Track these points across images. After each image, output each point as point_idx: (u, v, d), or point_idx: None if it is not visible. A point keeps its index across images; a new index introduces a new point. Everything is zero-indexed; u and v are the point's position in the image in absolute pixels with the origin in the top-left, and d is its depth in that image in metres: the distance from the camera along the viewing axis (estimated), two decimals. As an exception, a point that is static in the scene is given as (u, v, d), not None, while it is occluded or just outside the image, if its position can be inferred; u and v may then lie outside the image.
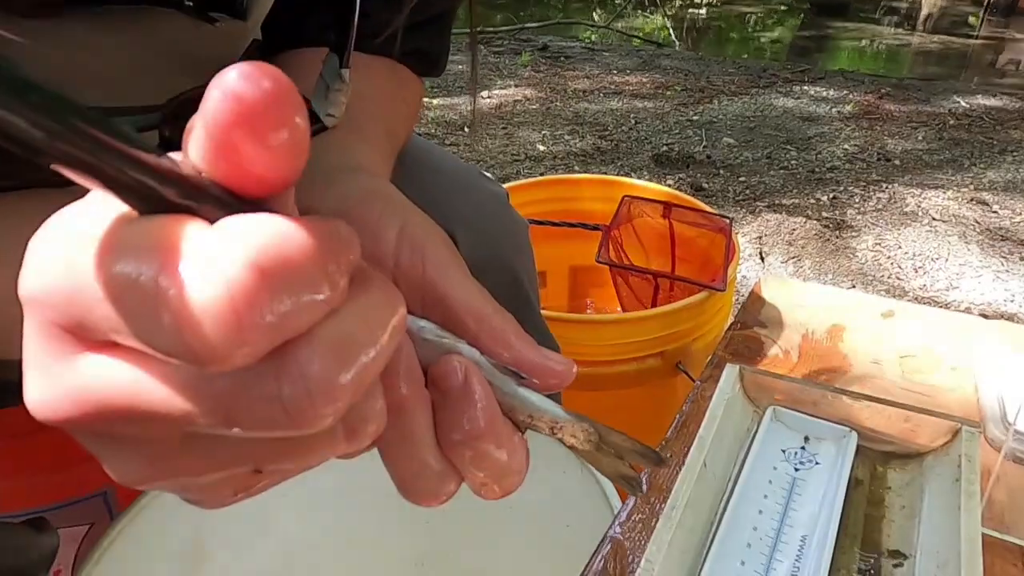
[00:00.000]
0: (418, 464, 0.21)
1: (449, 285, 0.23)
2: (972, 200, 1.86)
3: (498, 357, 0.22)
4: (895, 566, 0.35)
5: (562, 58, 3.29)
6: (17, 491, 0.59)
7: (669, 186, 1.93)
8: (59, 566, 0.55)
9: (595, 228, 0.89)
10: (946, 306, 1.43)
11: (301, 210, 0.24)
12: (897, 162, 2.13)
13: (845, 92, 2.83)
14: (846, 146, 2.24)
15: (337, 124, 0.34)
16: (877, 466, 0.42)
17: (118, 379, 0.14)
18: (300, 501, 0.57)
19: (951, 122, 2.47)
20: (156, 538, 0.49)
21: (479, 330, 0.22)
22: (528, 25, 3.93)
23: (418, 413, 0.21)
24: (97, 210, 0.14)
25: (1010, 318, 1.40)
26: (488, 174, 0.57)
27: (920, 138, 2.32)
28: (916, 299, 1.46)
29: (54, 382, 0.15)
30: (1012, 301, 1.45)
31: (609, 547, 0.39)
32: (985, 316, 1.35)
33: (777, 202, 1.85)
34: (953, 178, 2.02)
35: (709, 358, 0.59)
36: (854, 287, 1.50)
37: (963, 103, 2.69)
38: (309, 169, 0.28)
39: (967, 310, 1.42)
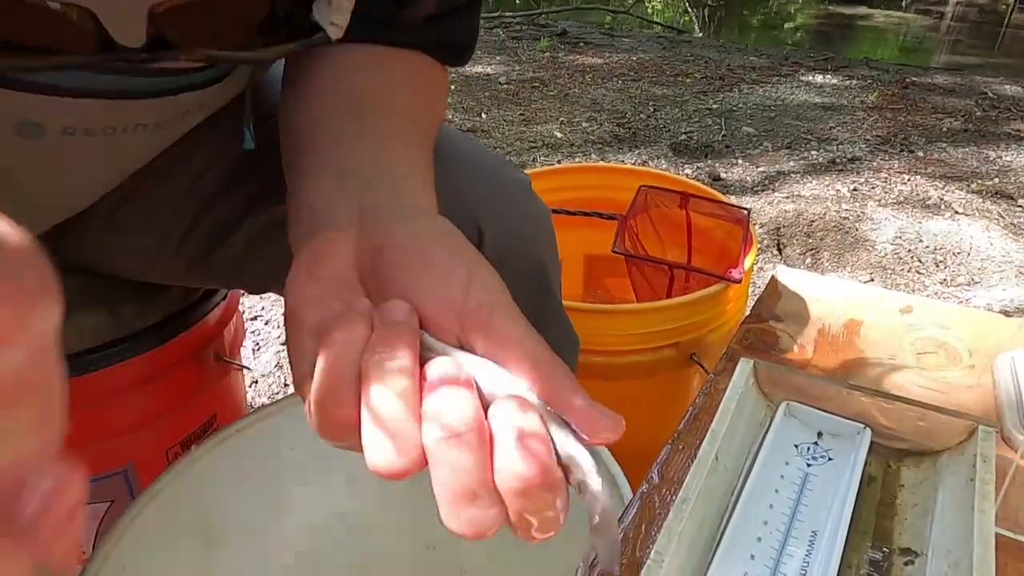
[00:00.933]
0: (472, 494, 0.22)
1: (512, 331, 0.24)
2: (997, 193, 1.83)
3: (555, 406, 0.23)
4: (906, 564, 0.35)
5: (581, 44, 3.26)
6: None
7: (687, 175, 1.92)
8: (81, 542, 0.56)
9: (611, 217, 0.89)
10: (967, 302, 1.41)
11: (373, 248, 0.28)
12: (920, 153, 2.09)
13: (869, 81, 2.78)
14: (868, 137, 2.21)
15: (400, 143, 0.35)
16: (891, 463, 0.42)
17: None
18: (314, 486, 0.58)
19: (978, 113, 2.43)
20: (174, 519, 0.50)
21: (537, 376, 0.23)
22: (547, 10, 3.89)
23: (477, 445, 0.22)
24: None
25: (1032, 314, 1.38)
26: (510, 161, 0.56)
27: (945, 129, 2.28)
28: (936, 294, 1.44)
29: None
30: (1034, 297, 1.43)
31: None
32: (1007, 313, 1.32)
33: (796, 193, 1.83)
34: (978, 170, 1.98)
35: (724, 350, 0.58)
36: (872, 280, 1.48)
37: (990, 93, 2.64)
38: (382, 208, 0.29)
39: (988, 306, 1.40)
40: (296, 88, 0.39)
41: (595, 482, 0.22)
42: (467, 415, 0.22)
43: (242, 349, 0.91)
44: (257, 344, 1.25)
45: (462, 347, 0.25)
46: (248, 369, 1.17)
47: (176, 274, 0.55)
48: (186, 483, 0.50)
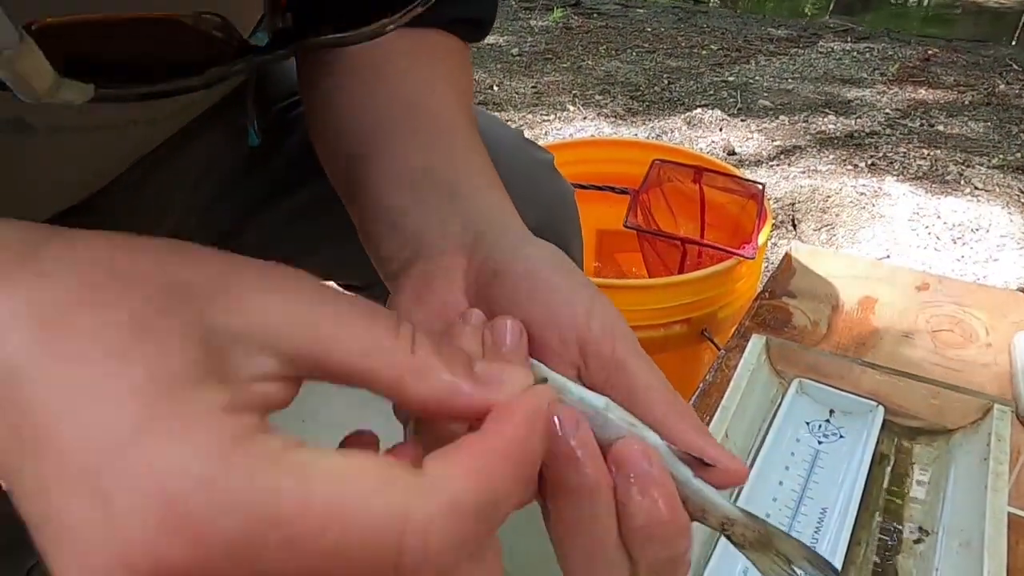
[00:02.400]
0: (598, 548, 0.20)
1: (637, 365, 0.23)
2: (1019, 169, 1.79)
3: (678, 444, 0.22)
4: (916, 542, 0.35)
5: (595, 15, 3.20)
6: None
7: (701, 149, 1.89)
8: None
9: (623, 192, 0.88)
10: (984, 279, 1.39)
11: (490, 272, 0.26)
12: (941, 127, 2.05)
13: (890, 53, 2.72)
14: (888, 110, 2.17)
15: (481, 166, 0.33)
16: (903, 442, 0.41)
17: None
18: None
19: (1001, 86, 2.37)
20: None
21: (664, 415, 0.22)
22: (561, -20, 3.82)
23: (602, 495, 0.20)
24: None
25: (1051, 292, 1.36)
26: (531, 139, 0.56)
27: (967, 103, 2.23)
28: (953, 271, 1.42)
29: None
30: (1054, 275, 1.41)
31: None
32: (1024, 290, 1.29)
33: (813, 167, 1.80)
34: (1000, 145, 1.94)
35: (736, 327, 0.58)
36: (888, 257, 1.47)
37: (1015, 66, 2.57)
38: (489, 232, 0.27)
39: (1005, 284, 1.38)
40: (328, 88, 0.37)
41: (735, 513, 0.21)
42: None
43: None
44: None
45: (579, 377, 0.24)
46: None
47: None
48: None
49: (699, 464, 0.21)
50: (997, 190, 1.69)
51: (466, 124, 0.35)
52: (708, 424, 0.40)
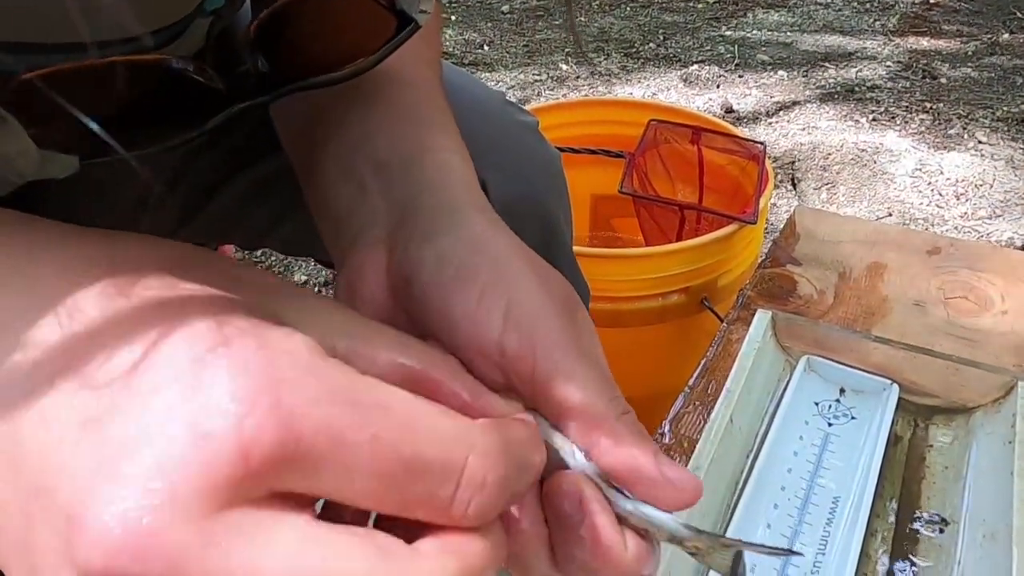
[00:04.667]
0: None
1: (561, 381, 0.20)
2: (1023, 121, 1.75)
3: (614, 468, 0.20)
4: (936, 532, 0.33)
5: (587, -32, 3.10)
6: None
7: (698, 107, 1.84)
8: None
9: (618, 155, 0.84)
10: (987, 236, 1.36)
11: (403, 278, 0.23)
12: (944, 80, 2.00)
13: (891, 3, 2.64)
14: (889, 63, 2.11)
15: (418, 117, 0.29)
16: (919, 421, 0.39)
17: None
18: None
19: (1005, 36, 2.30)
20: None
21: (593, 437, 0.20)
22: (552, -68, 3.70)
23: (533, 536, 0.19)
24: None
25: (1057, 249, 1.33)
26: (514, 101, 0.52)
27: (970, 54, 2.17)
28: (956, 228, 1.39)
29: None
30: (1059, 230, 1.38)
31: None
32: (1033, 248, 1.27)
33: (812, 124, 1.75)
34: (1004, 97, 1.89)
35: (737, 295, 0.55)
36: (890, 215, 1.43)
37: (1019, 14, 2.50)
38: (411, 218, 0.24)
39: (1010, 240, 1.35)
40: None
41: (682, 532, 0.20)
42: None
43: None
44: (257, 291, 1.22)
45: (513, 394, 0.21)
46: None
47: (167, 229, 0.53)
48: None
49: (626, 494, 0.20)
50: (1001, 144, 1.65)
51: (418, 79, 0.31)
52: (712, 409, 0.37)
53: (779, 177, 1.53)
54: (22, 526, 0.14)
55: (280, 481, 0.14)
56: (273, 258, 1.29)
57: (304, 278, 1.24)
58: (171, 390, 0.14)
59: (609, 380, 0.21)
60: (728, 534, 0.33)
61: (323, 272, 1.25)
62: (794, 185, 1.53)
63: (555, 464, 0.20)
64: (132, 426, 0.13)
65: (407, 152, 0.27)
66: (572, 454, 0.20)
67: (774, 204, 1.44)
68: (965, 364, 0.38)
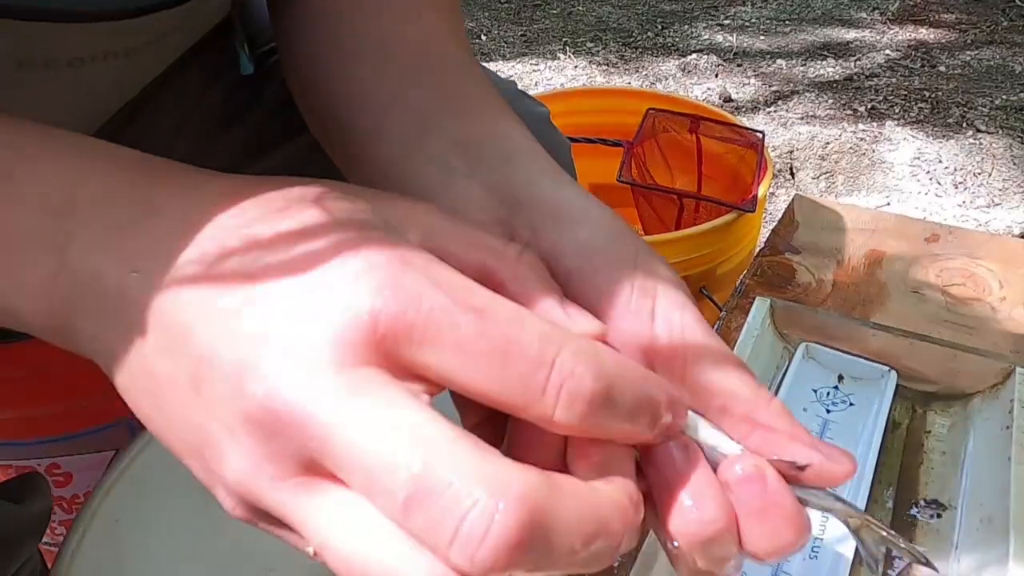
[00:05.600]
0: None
1: (714, 374, 0.21)
2: (1022, 109, 1.75)
3: (776, 445, 0.20)
4: (933, 517, 0.33)
5: (585, -43, 3.08)
6: (45, 418, 0.59)
7: (696, 97, 1.83)
8: (89, 488, 0.56)
9: (616, 144, 0.84)
10: (986, 224, 1.36)
11: (545, 252, 0.23)
12: (942, 68, 1.99)
13: (890, -9, 2.63)
14: (888, 52, 2.10)
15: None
16: (917, 408, 0.39)
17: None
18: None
19: (1004, 24, 2.30)
20: (169, 467, 0.48)
21: (752, 428, 0.20)
22: (549, -80, 3.67)
23: (724, 523, 0.19)
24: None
25: (1055, 237, 1.33)
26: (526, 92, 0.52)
27: (969, 42, 2.16)
28: (955, 217, 1.39)
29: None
30: (1057, 219, 1.38)
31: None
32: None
33: (811, 113, 1.75)
34: (1002, 86, 1.89)
35: (736, 285, 0.55)
36: (888, 204, 1.43)
37: (1018, 2, 2.49)
38: (529, 204, 0.24)
39: (1008, 229, 1.35)
40: (305, 34, 0.32)
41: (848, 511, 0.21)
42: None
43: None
44: (256, 282, 1.22)
45: None
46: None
47: None
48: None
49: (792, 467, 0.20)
50: (1000, 132, 1.65)
51: (463, 58, 0.30)
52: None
53: (777, 167, 1.53)
54: (189, 388, 0.17)
55: (403, 351, 0.16)
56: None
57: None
58: (318, 275, 0.17)
59: (749, 369, 0.21)
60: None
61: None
62: (792, 174, 1.53)
63: (715, 461, 0.20)
64: (285, 301, 0.17)
65: (482, 135, 0.27)
66: (733, 448, 0.20)
67: (772, 193, 1.44)
68: (963, 351, 0.39)
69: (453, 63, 0.30)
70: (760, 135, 0.81)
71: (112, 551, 0.43)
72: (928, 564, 0.21)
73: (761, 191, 0.75)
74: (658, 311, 0.21)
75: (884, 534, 0.21)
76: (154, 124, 0.46)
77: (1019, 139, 1.62)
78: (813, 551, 0.31)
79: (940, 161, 1.55)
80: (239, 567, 0.52)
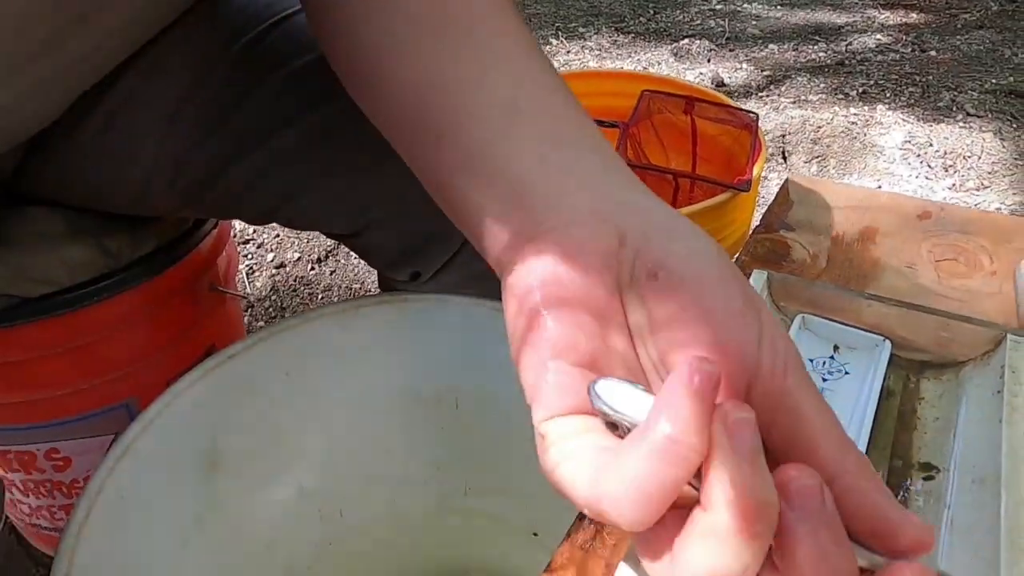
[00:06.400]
0: None
1: (807, 406, 0.20)
2: (1012, 93, 1.76)
3: (855, 503, 0.19)
4: (926, 479, 0.34)
5: (576, -58, 3.07)
6: (44, 403, 0.59)
7: (689, 81, 1.84)
8: (89, 471, 0.56)
9: (612, 125, 0.84)
10: (976, 207, 1.38)
11: (644, 269, 0.23)
12: (933, 53, 2.00)
13: (881, -24, 2.63)
14: (879, 36, 2.11)
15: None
16: (911, 376, 0.40)
17: None
18: (313, 410, 0.56)
19: (994, 8, 2.31)
20: (171, 445, 0.48)
21: (838, 469, 0.19)
22: (540, -95, 3.64)
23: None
24: None
25: (1042, 218, 1.34)
26: None
27: (959, 26, 2.17)
28: (944, 199, 1.41)
29: None
30: (1046, 201, 1.40)
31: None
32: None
33: (803, 97, 1.76)
34: (992, 69, 1.90)
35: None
36: (880, 187, 1.45)
37: (1008, -14, 2.50)
38: (642, 215, 0.24)
39: (997, 211, 1.36)
40: (365, 22, 0.31)
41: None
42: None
43: (236, 275, 0.89)
44: (251, 268, 1.22)
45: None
46: (243, 297, 1.15)
47: (170, 209, 0.52)
48: (180, 410, 0.49)
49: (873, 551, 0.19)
50: (989, 116, 1.66)
51: (527, 38, 0.30)
52: (709, 365, 0.38)
53: (770, 150, 1.54)
54: None
55: None
56: (265, 236, 1.28)
57: (297, 255, 1.24)
58: None
59: (834, 415, 0.21)
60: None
61: (316, 249, 1.25)
62: (785, 158, 1.53)
63: None
64: None
65: (571, 135, 0.26)
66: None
67: (765, 177, 1.45)
68: (956, 319, 0.39)
69: (524, 43, 0.29)
70: (754, 116, 0.81)
71: (117, 529, 0.43)
72: None
73: (755, 171, 0.75)
74: (764, 333, 0.21)
75: None
76: (150, 106, 0.45)
77: (1008, 122, 1.63)
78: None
79: (931, 145, 1.56)
80: (241, 543, 0.52)
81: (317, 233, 1.28)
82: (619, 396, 0.20)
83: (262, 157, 0.46)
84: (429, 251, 0.49)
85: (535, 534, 0.59)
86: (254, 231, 1.29)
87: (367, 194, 0.47)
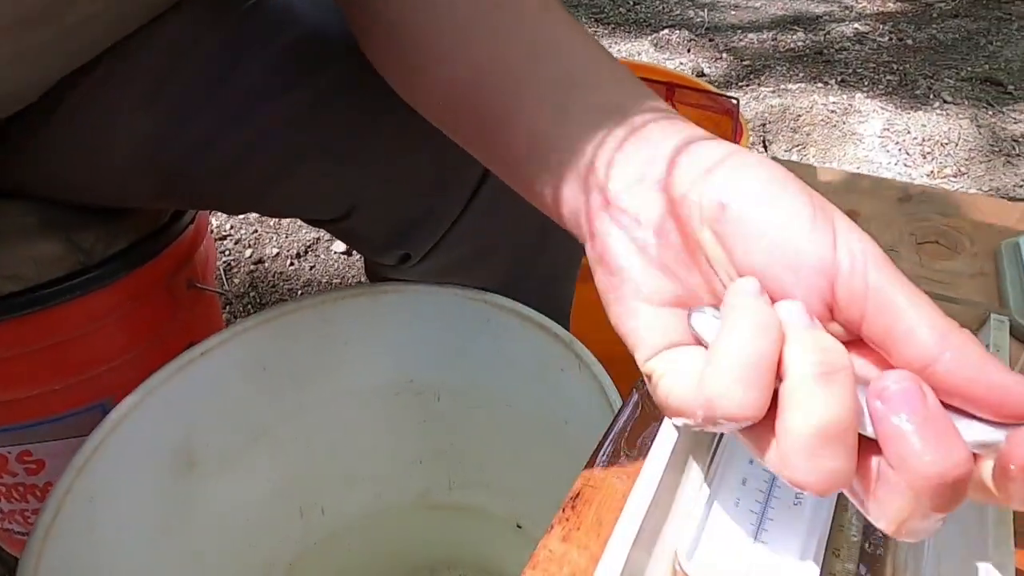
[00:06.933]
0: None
1: (897, 296, 0.21)
2: (986, 80, 1.78)
3: (964, 385, 0.19)
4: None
5: (555, -67, 3.05)
6: (16, 404, 0.58)
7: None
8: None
9: (592, 114, 0.83)
10: (954, 191, 1.39)
11: (715, 206, 0.24)
12: (910, 41, 2.02)
13: (857, -35, 2.64)
14: (857, 25, 2.12)
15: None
16: (895, 358, 0.40)
17: None
18: (292, 405, 0.55)
19: (968, -3, 2.33)
20: (144, 445, 0.47)
21: (938, 351, 0.19)
22: None
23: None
24: None
25: (1022, 201, 1.36)
26: None
27: (935, 16, 2.19)
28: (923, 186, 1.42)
29: None
30: (1022, 186, 1.41)
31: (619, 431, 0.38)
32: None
33: (782, 87, 1.76)
34: (967, 58, 1.92)
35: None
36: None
37: (982, -25, 2.52)
38: (699, 155, 0.25)
39: (975, 195, 1.38)
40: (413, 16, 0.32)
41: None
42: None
43: (214, 272, 0.88)
44: (229, 265, 1.20)
45: (832, 317, 0.22)
46: (220, 294, 1.13)
47: (145, 196, 0.50)
48: (152, 408, 0.47)
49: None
50: (965, 103, 1.68)
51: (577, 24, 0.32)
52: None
53: (751, 140, 1.54)
54: None
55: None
56: (243, 231, 1.26)
57: (275, 251, 1.22)
58: None
59: (929, 303, 0.21)
60: (713, 473, 0.34)
61: (295, 244, 1.23)
62: (766, 147, 1.54)
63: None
64: None
65: (624, 96, 0.28)
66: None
67: (746, 166, 1.45)
68: (940, 299, 0.39)
69: (568, 20, 0.31)
70: (735, 101, 0.81)
71: (87, 530, 0.42)
72: None
73: (736, 158, 0.75)
74: (839, 236, 0.22)
75: None
76: (129, 78, 0.43)
77: (984, 109, 1.65)
78: (797, 497, 0.32)
79: (909, 132, 1.57)
80: (217, 542, 0.51)
81: (296, 228, 1.27)
82: (710, 320, 0.23)
83: (245, 137, 0.44)
84: (418, 232, 0.48)
85: (519, 526, 0.59)
86: (231, 226, 1.27)
87: (354, 174, 0.46)
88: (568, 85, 0.29)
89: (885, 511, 0.20)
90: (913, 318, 0.20)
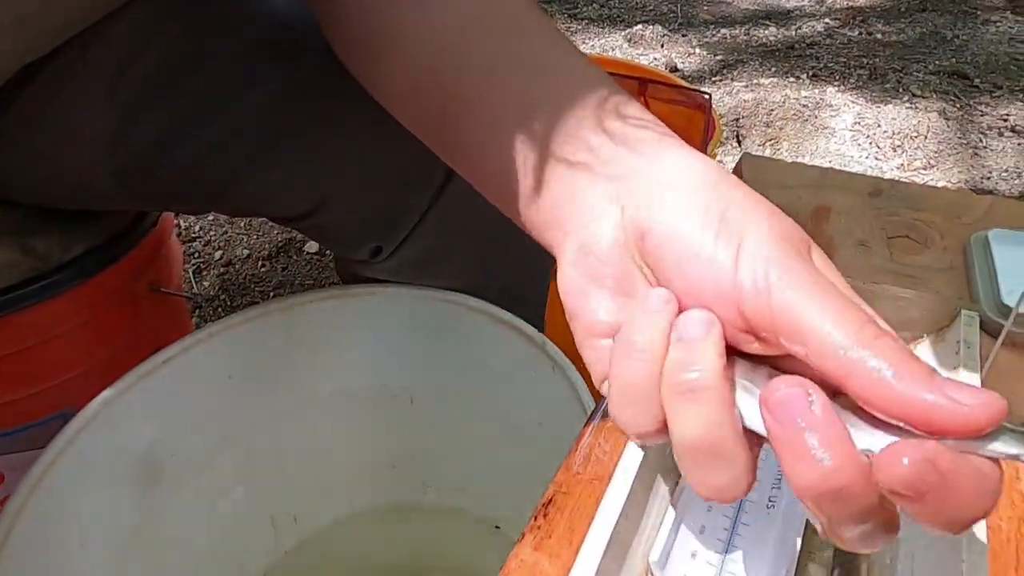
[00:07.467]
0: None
1: (802, 306, 0.20)
2: (954, 74, 1.80)
3: (875, 401, 0.18)
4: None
5: (527, -72, 3.04)
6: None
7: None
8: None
9: (565, 111, 0.83)
10: (923, 185, 1.41)
11: (638, 234, 0.24)
12: (879, 36, 2.04)
13: (827, -40, 2.67)
14: (827, 20, 2.14)
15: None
16: (867, 354, 0.39)
17: None
18: (260, 413, 0.54)
19: (935, -9, 2.36)
20: (103, 458, 0.46)
21: (849, 362, 0.19)
22: None
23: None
24: None
25: (990, 193, 1.38)
26: None
27: (903, 9, 2.22)
28: (894, 178, 1.43)
29: None
30: (989, 178, 1.43)
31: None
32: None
33: (755, 81, 1.77)
34: (935, 52, 1.94)
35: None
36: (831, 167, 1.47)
37: (949, -30, 2.56)
38: (628, 176, 0.26)
39: (944, 189, 1.40)
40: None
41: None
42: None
43: (182, 275, 0.85)
44: (198, 267, 1.18)
45: (758, 344, 0.21)
46: (188, 298, 1.11)
47: (105, 195, 0.48)
48: (110, 419, 0.46)
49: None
50: (933, 96, 1.70)
51: (553, 30, 0.31)
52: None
53: (724, 134, 1.55)
54: None
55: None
56: (212, 233, 1.24)
57: (246, 252, 1.20)
58: None
59: (858, 305, 0.20)
60: (684, 479, 0.33)
61: (266, 245, 1.21)
62: (739, 142, 1.54)
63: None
64: None
65: (596, 109, 0.28)
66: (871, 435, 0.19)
67: (720, 160, 1.46)
68: (911, 297, 0.39)
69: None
70: (707, 96, 0.81)
71: (44, 549, 0.40)
72: None
73: (710, 149, 0.75)
74: (742, 251, 0.21)
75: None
76: (99, 62, 0.41)
77: (952, 103, 1.67)
78: (771, 501, 0.31)
79: (879, 126, 1.59)
80: (185, 555, 0.50)
81: (268, 229, 1.25)
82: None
83: (210, 131, 0.42)
84: (390, 223, 0.47)
85: (497, 527, 0.58)
86: (200, 228, 1.24)
87: (324, 167, 0.44)
88: (531, 71, 0.29)
89: (812, 517, 0.20)
90: (821, 329, 0.19)
